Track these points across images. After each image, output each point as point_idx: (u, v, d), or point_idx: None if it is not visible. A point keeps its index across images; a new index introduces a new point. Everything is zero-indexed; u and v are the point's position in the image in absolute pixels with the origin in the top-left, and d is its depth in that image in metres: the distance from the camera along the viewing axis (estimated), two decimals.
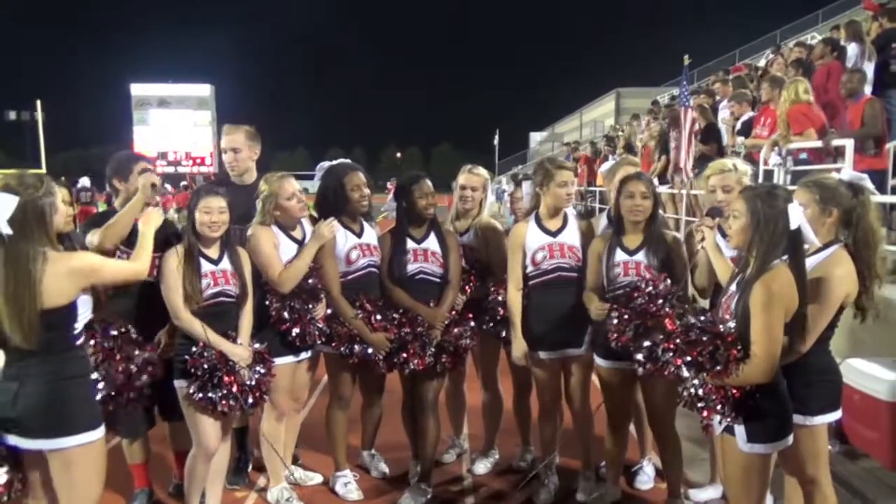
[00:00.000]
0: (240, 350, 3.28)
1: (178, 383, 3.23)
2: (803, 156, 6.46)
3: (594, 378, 3.74)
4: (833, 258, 2.74)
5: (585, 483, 3.89)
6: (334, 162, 4.00)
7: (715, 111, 9.03)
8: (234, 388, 3.19)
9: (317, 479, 4.08)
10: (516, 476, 4.20)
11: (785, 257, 2.53)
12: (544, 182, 3.68)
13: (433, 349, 3.65)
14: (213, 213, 3.25)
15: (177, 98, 37.70)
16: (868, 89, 6.75)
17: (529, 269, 3.69)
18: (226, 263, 3.33)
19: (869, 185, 2.86)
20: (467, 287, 3.91)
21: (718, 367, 2.48)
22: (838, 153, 6.12)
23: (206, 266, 3.26)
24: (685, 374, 2.58)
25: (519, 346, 3.69)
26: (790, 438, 2.62)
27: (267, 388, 3.36)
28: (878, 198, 3.00)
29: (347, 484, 3.93)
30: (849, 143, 5.88)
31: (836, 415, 2.86)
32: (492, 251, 3.99)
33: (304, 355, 3.73)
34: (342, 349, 3.63)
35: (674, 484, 3.67)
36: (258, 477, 4.12)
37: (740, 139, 7.64)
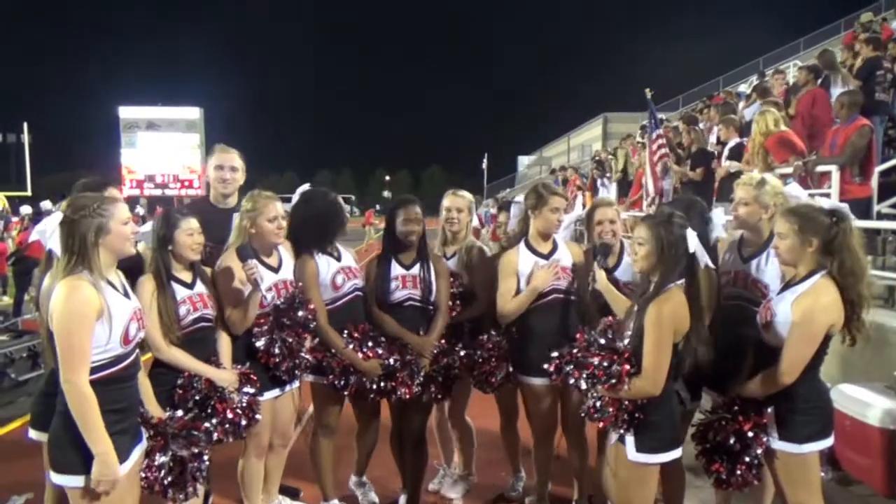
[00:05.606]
0: (227, 374, 3.20)
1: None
2: (790, 181, 6.48)
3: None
4: (816, 287, 2.71)
5: None
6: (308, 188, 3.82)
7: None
8: (229, 415, 3.10)
9: None
10: None
11: (681, 281, 2.72)
12: (537, 206, 3.65)
13: (421, 378, 3.58)
14: (195, 234, 3.17)
15: (166, 121, 37.47)
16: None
17: None
18: (200, 286, 3.22)
19: (848, 212, 2.81)
20: (451, 312, 3.81)
21: (613, 381, 2.66)
22: (823, 179, 6.14)
23: (181, 291, 3.13)
24: (583, 385, 2.78)
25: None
26: (676, 452, 2.78)
27: (258, 408, 3.26)
28: (864, 223, 2.97)
29: None
30: (834, 170, 5.89)
31: (827, 442, 2.83)
32: (476, 273, 3.89)
33: (289, 387, 3.61)
34: (337, 382, 3.54)
35: (582, 485, 3.83)
36: None
37: (726, 163, 7.68)
